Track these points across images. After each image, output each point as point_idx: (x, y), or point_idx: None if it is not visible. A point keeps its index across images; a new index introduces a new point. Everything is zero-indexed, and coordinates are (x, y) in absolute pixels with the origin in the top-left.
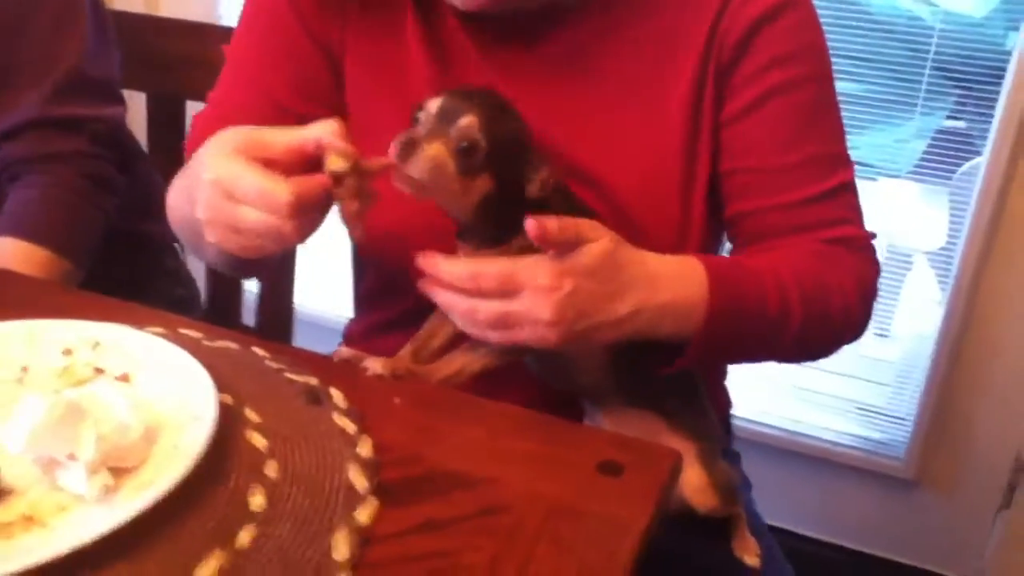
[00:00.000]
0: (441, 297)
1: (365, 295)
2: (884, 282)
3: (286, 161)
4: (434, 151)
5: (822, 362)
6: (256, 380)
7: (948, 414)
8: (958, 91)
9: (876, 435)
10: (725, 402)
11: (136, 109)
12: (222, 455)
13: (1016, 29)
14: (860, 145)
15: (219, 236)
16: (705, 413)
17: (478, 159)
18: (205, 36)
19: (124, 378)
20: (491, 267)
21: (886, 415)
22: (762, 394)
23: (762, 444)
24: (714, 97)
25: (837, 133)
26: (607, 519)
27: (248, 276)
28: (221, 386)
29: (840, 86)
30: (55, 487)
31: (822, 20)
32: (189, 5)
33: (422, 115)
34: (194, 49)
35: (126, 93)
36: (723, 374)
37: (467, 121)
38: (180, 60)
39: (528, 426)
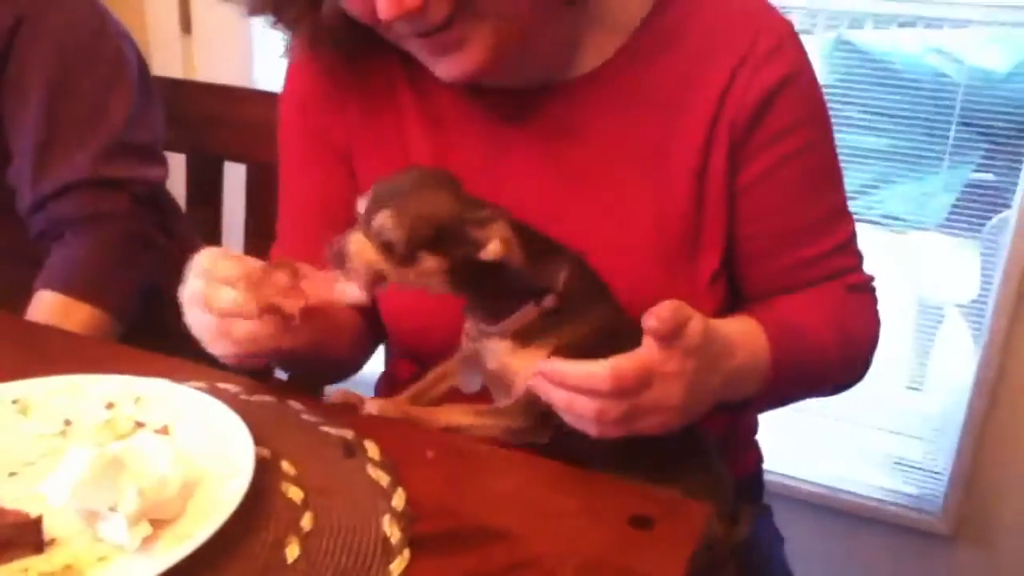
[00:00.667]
0: (560, 397)
1: (392, 353)
2: (917, 335)
3: None
4: (357, 249)
5: (857, 416)
6: (292, 433)
7: (985, 467)
8: (985, 145)
9: (911, 490)
10: (756, 458)
11: (176, 169)
12: (259, 507)
13: None
14: (889, 198)
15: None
16: (707, 471)
17: (402, 248)
18: (241, 99)
19: (164, 431)
20: (628, 364)
21: (921, 469)
22: (796, 448)
23: (796, 499)
24: (725, 163)
25: (840, 185)
26: (638, 574)
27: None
28: (258, 439)
29: (868, 141)
30: (96, 538)
31: (850, 77)
32: (224, 70)
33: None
34: (230, 111)
35: (166, 155)
36: (754, 430)
37: (380, 219)
38: (217, 122)
39: (560, 479)
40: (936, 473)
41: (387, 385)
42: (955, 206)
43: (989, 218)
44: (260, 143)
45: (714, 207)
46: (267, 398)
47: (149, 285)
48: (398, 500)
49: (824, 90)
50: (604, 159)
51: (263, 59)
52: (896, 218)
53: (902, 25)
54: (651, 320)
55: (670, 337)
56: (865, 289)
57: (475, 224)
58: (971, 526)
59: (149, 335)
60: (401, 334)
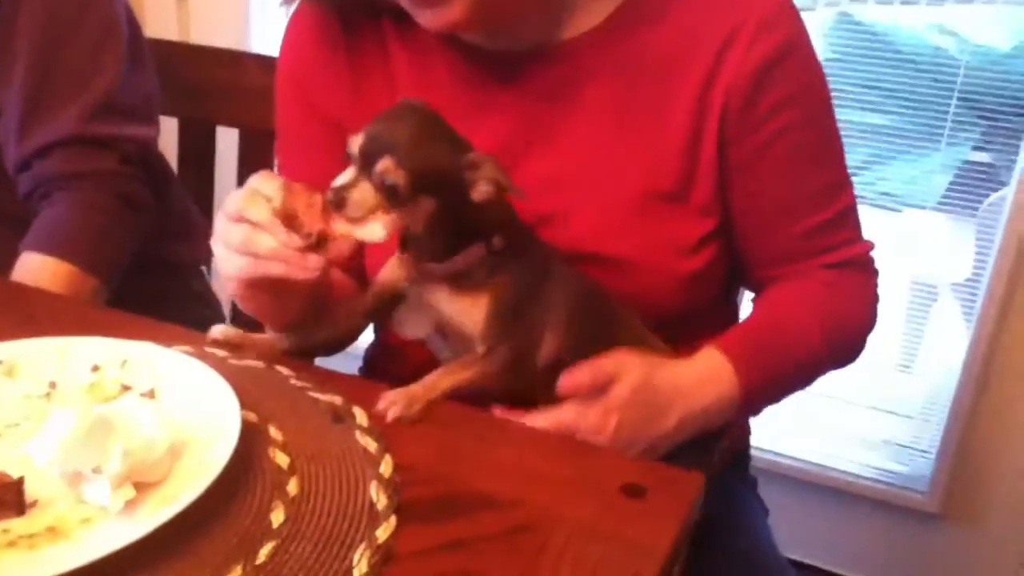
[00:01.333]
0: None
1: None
2: (909, 314)
3: None
4: (360, 195)
5: (846, 395)
6: (280, 398)
7: (973, 447)
8: (984, 123)
9: (900, 468)
10: (743, 433)
11: (168, 134)
12: (245, 472)
13: None
14: (886, 177)
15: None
16: None
17: (406, 191)
18: (235, 63)
19: (150, 394)
20: (547, 421)
21: (910, 448)
22: (785, 426)
23: (784, 476)
24: (717, 130)
25: (839, 158)
26: (631, 542)
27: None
28: (246, 404)
29: (867, 118)
30: (80, 500)
31: (849, 54)
32: (220, 33)
33: (352, 155)
34: (225, 76)
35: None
36: None
37: (383, 164)
38: (211, 87)
39: (553, 447)
40: (925, 452)
41: (380, 354)
42: (952, 185)
43: (986, 197)
44: (254, 108)
45: (705, 172)
46: (255, 363)
47: (138, 247)
48: (386, 466)
49: (823, 66)
50: (591, 121)
51: (259, 23)
52: (893, 195)
53: (904, 2)
54: (562, 385)
55: (585, 397)
56: (859, 264)
57: (468, 166)
58: (959, 504)
59: (137, 299)
60: None
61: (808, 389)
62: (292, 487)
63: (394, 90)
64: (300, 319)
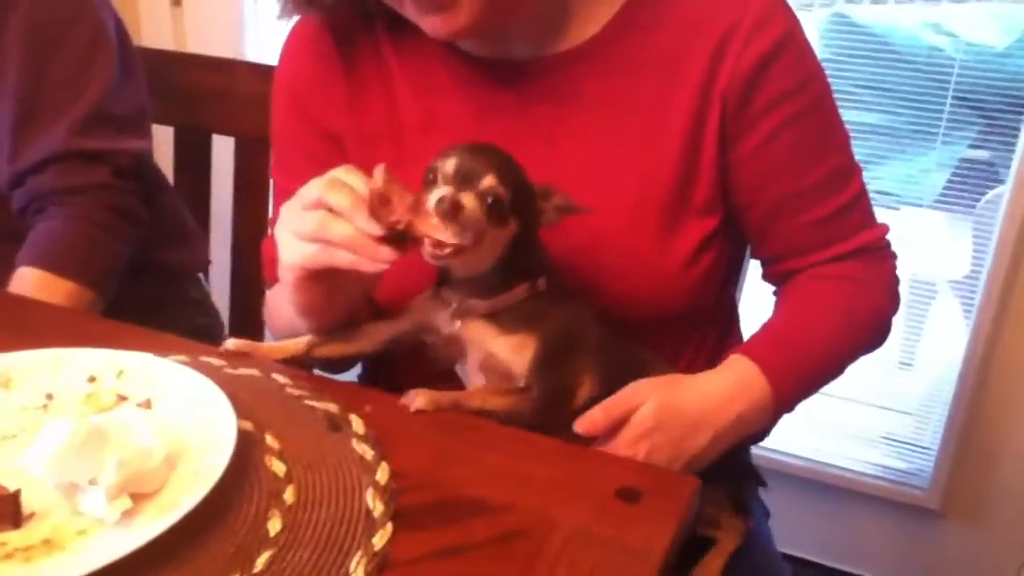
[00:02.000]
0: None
1: None
2: (908, 312)
3: None
4: (472, 205)
5: (846, 392)
6: (277, 407)
7: (973, 443)
8: (980, 121)
9: (900, 465)
10: None
11: (163, 142)
12: (242, 481)
13: None
14: (883, 175)
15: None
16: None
17: (505, 209)
18: (230, 71)
19: (146, 404)
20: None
21: (910, 444)
22: (785, 424)
23: (784, 473)
24: (718, 131)
25: (844, 144)
26: (625, 545)
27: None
28: (242, 413)
29: (862, 117)
30: (76, 512)
31: (844, 54)
32: (215, 41)
33: (439, 175)
34: (220, 84)
35: (154, 127)
36: None
37: (489, 180)
38: (206, 95)
39: (546, 452)
40: (925, 448)
41: (379, 362)
42: (949, 183)
43: (983, 195)
44: (249, 116)
45: (705, 172)
46: (251, 372)
47: (136, 257)
48: (382, 474)
49: None
50: (594, 126)
51: (254, 31)
52: (890, 194)
53: (899, 1)
54: (578, 426)
55: (604, 435)
56: (875, 249)
57: (542, 195)
58: (959, 501)
59: (134, 306)
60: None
61: None
62: (289, 495)
63: (393, 100)
64: (342, 320)
